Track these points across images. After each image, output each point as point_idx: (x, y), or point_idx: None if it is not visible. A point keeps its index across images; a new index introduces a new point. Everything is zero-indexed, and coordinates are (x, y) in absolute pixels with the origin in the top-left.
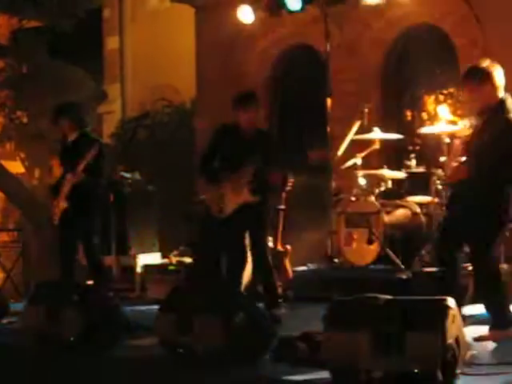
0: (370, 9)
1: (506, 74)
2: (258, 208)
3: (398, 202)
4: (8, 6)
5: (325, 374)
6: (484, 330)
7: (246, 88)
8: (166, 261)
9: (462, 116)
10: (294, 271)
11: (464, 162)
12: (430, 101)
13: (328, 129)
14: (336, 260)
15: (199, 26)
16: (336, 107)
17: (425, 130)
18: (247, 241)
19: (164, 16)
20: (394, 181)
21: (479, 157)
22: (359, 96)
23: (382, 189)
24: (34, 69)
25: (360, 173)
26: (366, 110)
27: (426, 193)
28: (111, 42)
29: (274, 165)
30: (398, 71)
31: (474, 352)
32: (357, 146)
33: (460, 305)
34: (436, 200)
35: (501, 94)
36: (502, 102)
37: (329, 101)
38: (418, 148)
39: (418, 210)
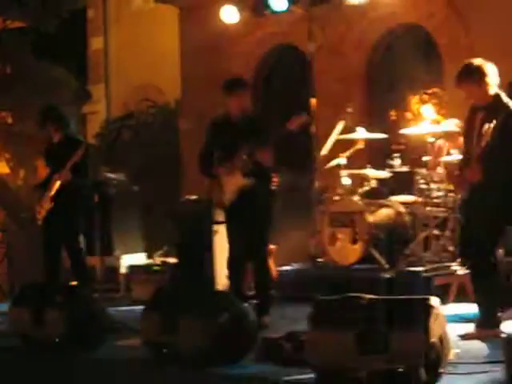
0: (353, 9)
1: None
2: (262, 198)
3: (382, 201)
4: None
5: (309, 374)
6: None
7: None
8: (150, 261)
9: (445, 115)
10: (277, 271)
11: (466, 162)
12: (414, 100)
13: (313, 129)
14: (320, 260)
15: (183, 27)
16: (321, 107)
17: (409, 129)
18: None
19: (148, 16)
20: (378, 180)
21: (494, 158)
22: (344, 96)
23: (366, 188)
24: (19, 69)
25: (344, 172)
26: (350, 110)
27: (410, 192)
28: (95, 43)
29: (263, 146)
30: (381, 71)
31: (458, 351)
32: (341, 146)
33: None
34: (420, 199)
35: (495, 89)
36: (497, 95)
37: (313, 101)
38: (402, 147)
39: (402, 209)
